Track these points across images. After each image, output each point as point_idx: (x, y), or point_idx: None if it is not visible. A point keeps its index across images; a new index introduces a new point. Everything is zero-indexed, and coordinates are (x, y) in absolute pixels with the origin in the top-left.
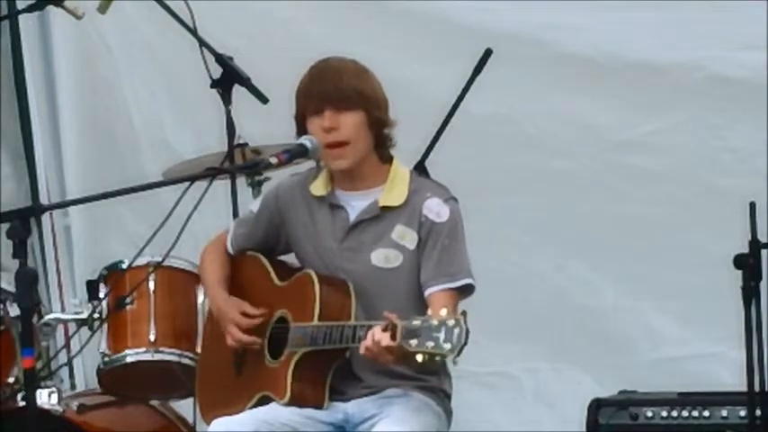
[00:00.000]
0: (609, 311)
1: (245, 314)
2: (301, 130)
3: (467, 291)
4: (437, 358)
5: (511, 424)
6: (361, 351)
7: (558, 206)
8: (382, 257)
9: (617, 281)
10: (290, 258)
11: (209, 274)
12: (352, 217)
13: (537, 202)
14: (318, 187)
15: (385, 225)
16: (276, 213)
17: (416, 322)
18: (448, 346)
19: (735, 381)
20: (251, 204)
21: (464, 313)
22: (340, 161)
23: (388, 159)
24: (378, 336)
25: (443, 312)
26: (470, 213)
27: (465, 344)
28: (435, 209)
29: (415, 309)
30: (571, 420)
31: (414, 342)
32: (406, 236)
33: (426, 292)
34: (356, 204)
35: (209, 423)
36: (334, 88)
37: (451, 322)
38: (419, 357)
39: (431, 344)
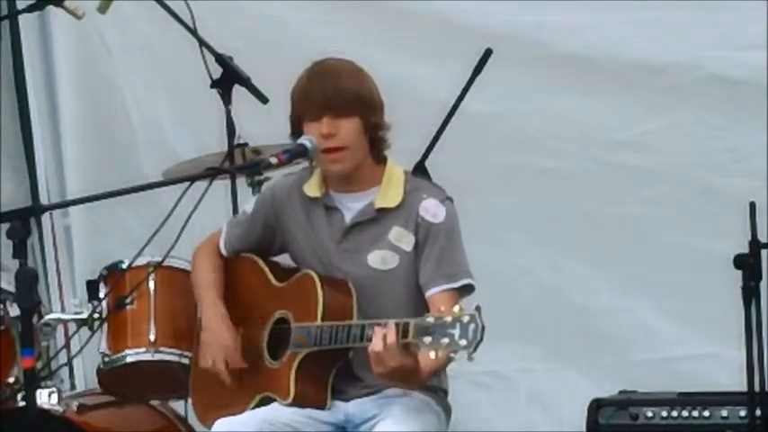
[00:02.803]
0: (606, 311)
1: (235, 352)
2: (297, 132)
3: (467, 290)
4: (452, 355)
5: (505, 424)
6: (371, 350)
7: (556, 206)
8: (379, 259)
9: (615, 281)
10: (282, 259)
11: (202, 278)
12: (348, 218)
13: (536, 201)
14: (312, 188)
15: (381, 227)
16: (272, 214)
17: (430, 319)
18: (464, 342)
19: (732, 381)
20: (244, 205)
21: (478, 309)
22: (338, 165)
23: (382, 160)
24: (382, 336)
25: (457, 309)
26: (469, 213)
27: (481, 340)
28: (432, 210)
29: (412, 309)
30: (566, 421)
31: (427, 339)
32: (402, 237)
33: (427, 294)
34: (351, 206)
35: (207, 425)
36: (333, 93)
37: (466, 318)
38: (432, 354)
39: (445, 341)
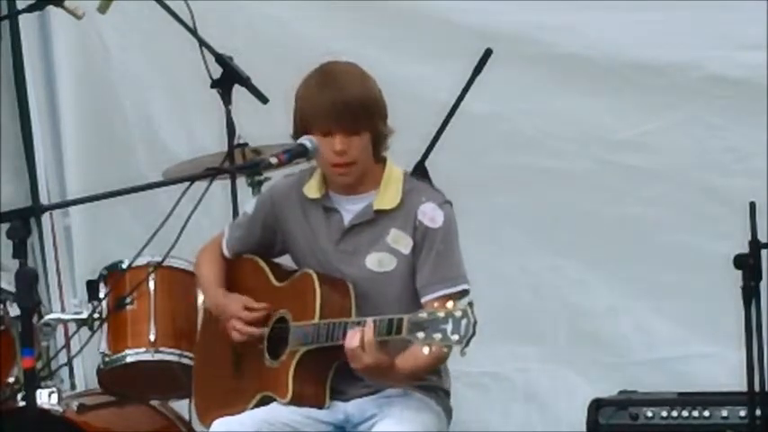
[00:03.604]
0: (606, 311)
1: (247, 308)
2: (299, 133)
3: (463, 296)
4: (445, 350)
5: (504, 425)
6: (348, 347)
7: (556, 206)
8: (376, 261)
9: (614, 281)
10: (284, 261)
11: (206, 275)
12: (347, 220)
13: (535, 201)
14: (312, 189)
15: (380, 229)
16: (271, 215)
17: (423, 315)
18: (456, 337)
19: (732, 381)
20: (245, 206)
21: (470, 304)
22: (346, 178)
23: (381, 160)
24: (360, 333)
25: (449, 304)
26: (468, 213)
27: (473, 334)
28: (430, 214)
29: (408, 312)
30: (565, 422)
31: (420, 335)
32: (400, 240)
33: (423, 299)
34: (350, 207)
35: (206, 426)
36: (344, 107)
37: (458, 313)
38: (426, 349)
39: (438, 336)
